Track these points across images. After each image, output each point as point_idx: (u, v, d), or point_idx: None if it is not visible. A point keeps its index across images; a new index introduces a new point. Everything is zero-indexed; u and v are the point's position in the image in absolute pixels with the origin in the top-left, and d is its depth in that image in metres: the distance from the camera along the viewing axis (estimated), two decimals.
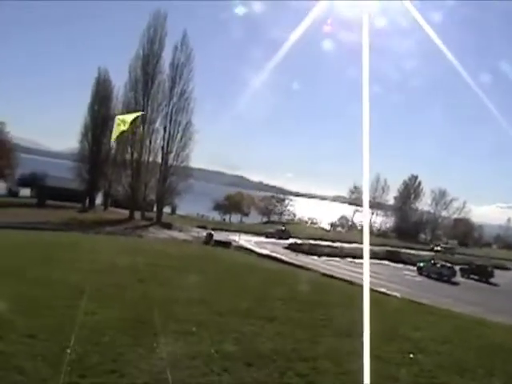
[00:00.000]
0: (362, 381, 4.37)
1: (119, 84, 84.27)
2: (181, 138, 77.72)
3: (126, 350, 8.30)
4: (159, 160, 78.83)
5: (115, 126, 8.79)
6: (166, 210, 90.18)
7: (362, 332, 10.99)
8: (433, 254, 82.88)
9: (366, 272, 5.46)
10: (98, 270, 16.06)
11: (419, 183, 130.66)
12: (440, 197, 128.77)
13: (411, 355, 10.05)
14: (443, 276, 55.61)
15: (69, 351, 7.72)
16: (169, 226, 71.85)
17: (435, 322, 15.13)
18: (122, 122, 8.90)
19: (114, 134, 8.92)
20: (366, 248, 5.56)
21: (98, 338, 8.77)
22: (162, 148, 78.25)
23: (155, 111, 77.60)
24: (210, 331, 10.18)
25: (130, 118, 8.97)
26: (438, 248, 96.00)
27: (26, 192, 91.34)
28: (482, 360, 10.58)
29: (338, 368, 8.74)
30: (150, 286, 14.64)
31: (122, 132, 8.78)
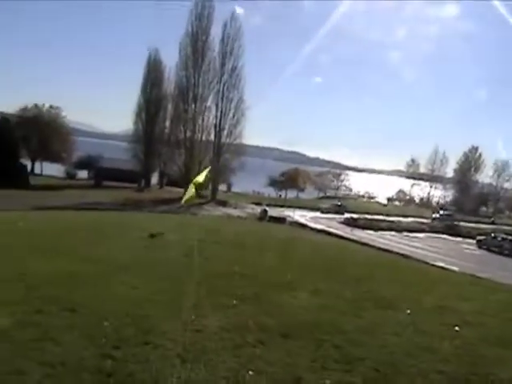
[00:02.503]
0: None
1: (171, 64, 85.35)
2: (233, 115, 77.83)
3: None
4: (212, 138, 79.25)
5: (189, 190, 8.92)
6: (222, 187, 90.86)
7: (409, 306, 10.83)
8: (494, 227, 79.88)
9: None
10: (144, 247, 16.34)
11: (480, 155, 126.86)
12: (502, 168, 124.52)
13: (456, 328, 9.85)
14: (504, 249, 54.01)
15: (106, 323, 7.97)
16: (224, 204, 72.31)
17: (485, 295, 14.72)
18: (197, 184, 8.97)
19: (187, 197, 8.96)
20: None
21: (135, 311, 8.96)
22: (215, 126, 78.54)
23: (207, 89, 77.85)
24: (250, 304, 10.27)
25: (201, 178, 9.05)
26: (437, 216, 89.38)
27: (83, 174, 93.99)
28: None
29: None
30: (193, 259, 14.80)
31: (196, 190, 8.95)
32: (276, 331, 8.61)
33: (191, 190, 8.94)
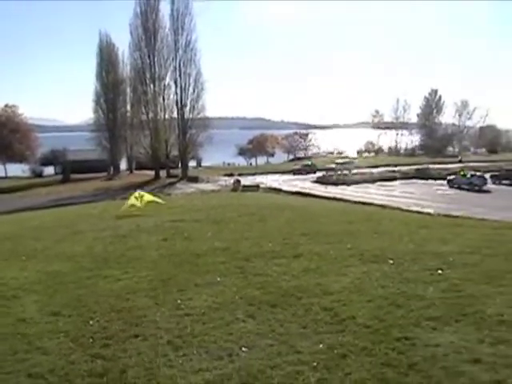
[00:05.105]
0: None
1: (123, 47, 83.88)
2: (193, 90, 76.74)
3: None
4: (176, 115, 78.28)
5: (131, 198, 9.45)
6: (192, 163, 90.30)
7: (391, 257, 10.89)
8: (462, 165, 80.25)
9: None
10: (121, 236, 16.16)
11: (440, 97, 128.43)
12: (463, 107, 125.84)
13: (439, 271, 9.94)
14: (474, 185, 54.56)
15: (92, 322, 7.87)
16: (195, 180, 71.79)
17: (463, 234, 14.87)
18: (140, 197, 9.40)
19: (125, 207, 9.48)
20: None
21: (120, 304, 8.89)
22: (176, 103, 77.60)
23: (163, 67, 76.50)
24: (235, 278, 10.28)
25: (148, 197, 9.44)
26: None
27: (50, 170, 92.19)
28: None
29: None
30: (173, 241, 14.75)
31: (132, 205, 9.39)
32: (264, 302, 8.63)
33: (131, 201, 9.50)
